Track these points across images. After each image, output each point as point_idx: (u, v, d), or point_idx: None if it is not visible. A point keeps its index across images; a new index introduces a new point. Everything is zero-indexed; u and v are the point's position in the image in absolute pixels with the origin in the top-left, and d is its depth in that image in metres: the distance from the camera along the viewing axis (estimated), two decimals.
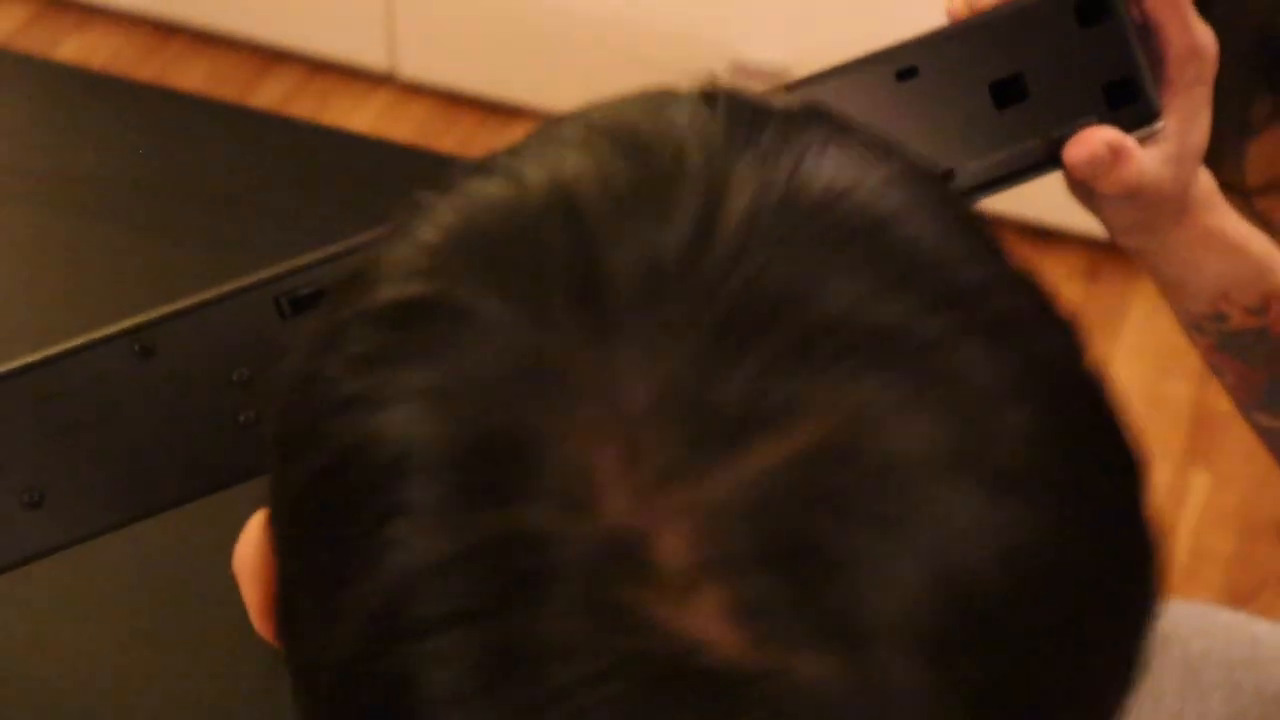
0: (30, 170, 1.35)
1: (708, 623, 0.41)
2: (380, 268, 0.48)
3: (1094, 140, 0.86)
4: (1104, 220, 0.96)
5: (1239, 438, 1.99)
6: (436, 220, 0.48)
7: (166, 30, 2.55)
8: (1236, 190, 1.04)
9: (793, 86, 0.85)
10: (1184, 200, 0.94)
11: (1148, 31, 0.89)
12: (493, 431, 0.43)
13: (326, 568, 0.45)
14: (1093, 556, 0.47)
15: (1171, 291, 1.04)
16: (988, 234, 0.50)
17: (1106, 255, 2.29)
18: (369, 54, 2.46)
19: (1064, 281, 2.35)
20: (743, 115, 0.49)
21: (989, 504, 0.43)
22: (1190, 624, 1.24)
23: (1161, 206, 0.94)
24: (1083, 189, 0.92)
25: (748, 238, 0.44)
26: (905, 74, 0.87)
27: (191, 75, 2.45)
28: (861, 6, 2.08)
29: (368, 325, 0.47)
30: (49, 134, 1.40)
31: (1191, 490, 1.99)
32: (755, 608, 0.41)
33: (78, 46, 2.51)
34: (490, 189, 0.48)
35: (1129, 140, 0.86)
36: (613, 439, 0.42)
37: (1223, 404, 2.04)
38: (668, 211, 0.45)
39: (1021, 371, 0.46)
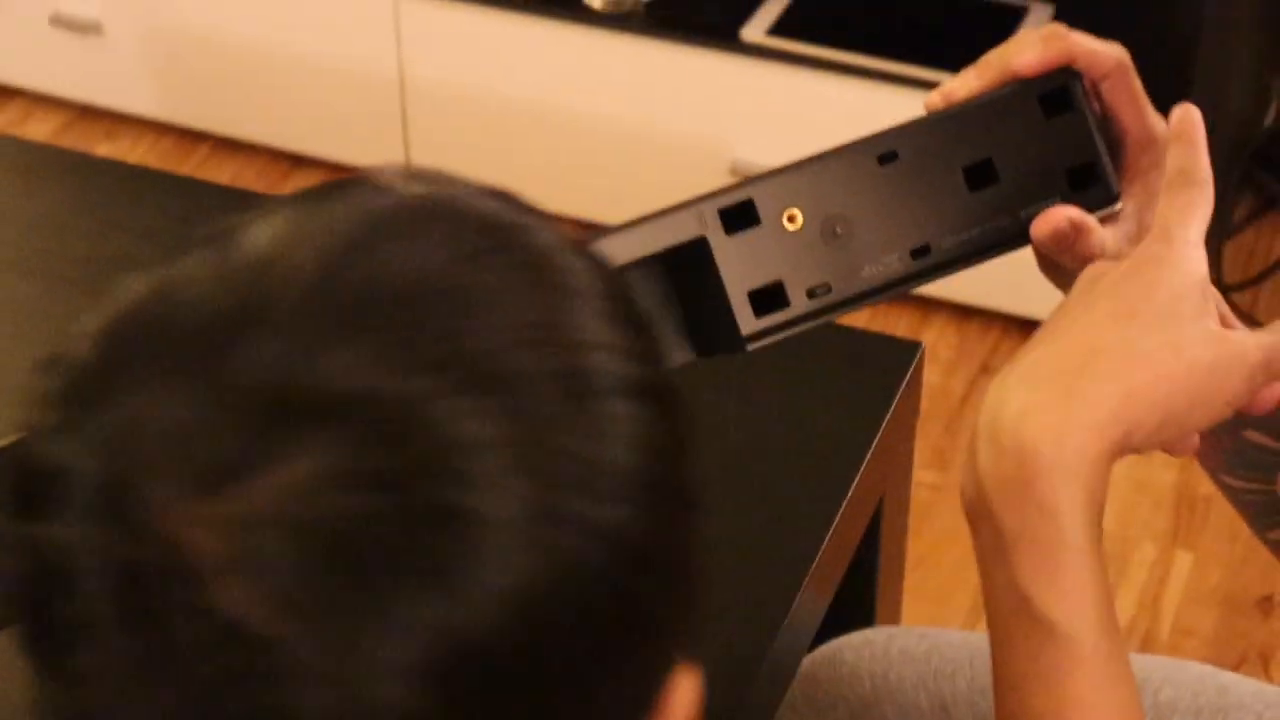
0: (71, 256, 1.40)
1: (238, 608, 0.50)
2: None
3: (1058, 217, 0.91)
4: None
5: (1221, 519, 2.05)
6: None
7: (194, 138, 2.63)
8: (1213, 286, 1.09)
9: (784, 169, 0.93)
10: None
11: (1107, 121, 0.95)
12: (30, 458, 0.54)
13: None
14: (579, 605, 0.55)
15: None
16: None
17: None
18: (386, 159, 2.55)
19: None
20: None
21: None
22: (1160, 674, 1.26)
23: None
24: (1051, 266, 0.98)
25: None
26: (886, 158, 0.93)
27: (218, 178, 2.53)
28: (852, 114, 2.18)
29: None
30: (88, 221, 1.46)
31: (1175, 569, 2.02)
32: (284, 602, 0.51)
33: (108, 153, 2.59)
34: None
35: (1090, 219, 0.92)
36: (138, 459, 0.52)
37: (1204, 487, 2.11)
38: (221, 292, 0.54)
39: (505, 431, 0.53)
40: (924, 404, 2.30)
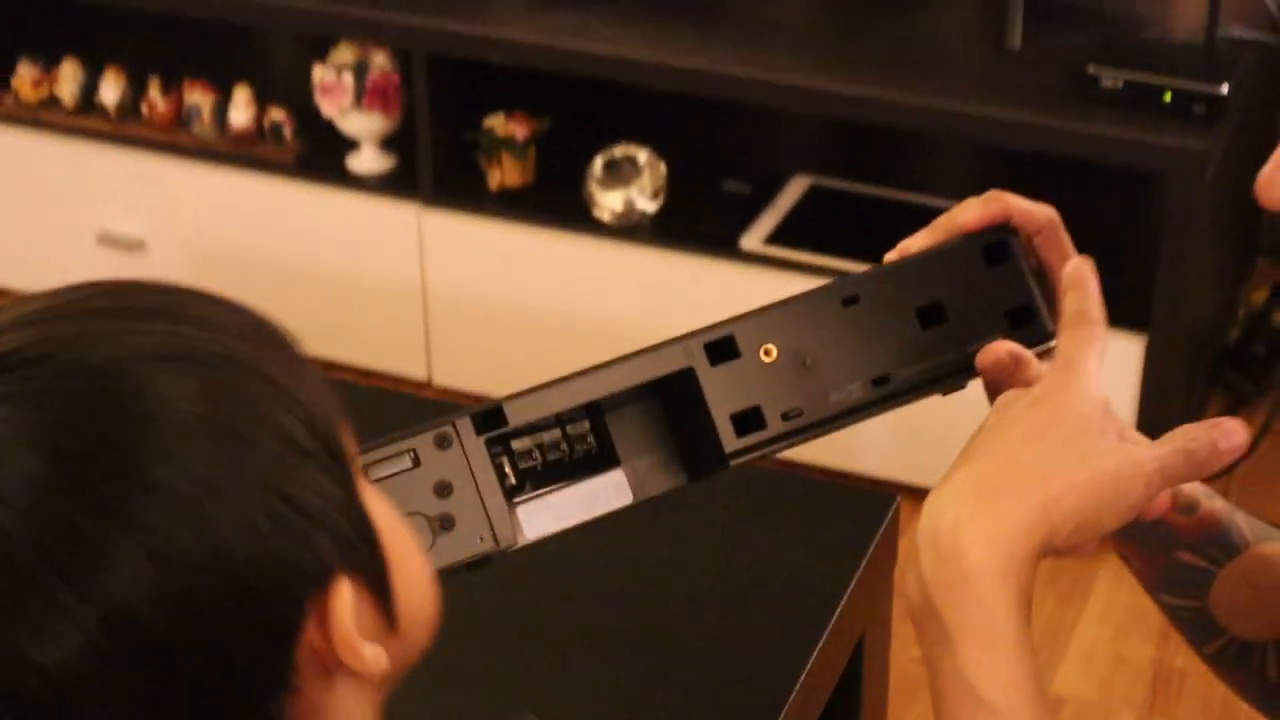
0: None
1: None
2: None
3: (999, 351, 1.04)
4: None
5: (1195, 692, 2.15)
6: None
7: None
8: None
9: (761, 310, 1.05)
10: None
11: (1042, 270, 1.08)
12: None
13: None
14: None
15: None
16: None
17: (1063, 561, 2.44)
18: (411, 366, 2.71)
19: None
20: None
21: None
22: None
23: None
24: (996, 396, 1.13)
25: None
26: (849, 301, 1.06)
27: None
28: None
29: None
30: None
31: None
32: None
33: None
34: None
35: (1027, 353, 1.04)
36: None
37: (1180, 661, 2.22)
38: None
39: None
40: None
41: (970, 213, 1.08)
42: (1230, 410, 2.61)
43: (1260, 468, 2.41)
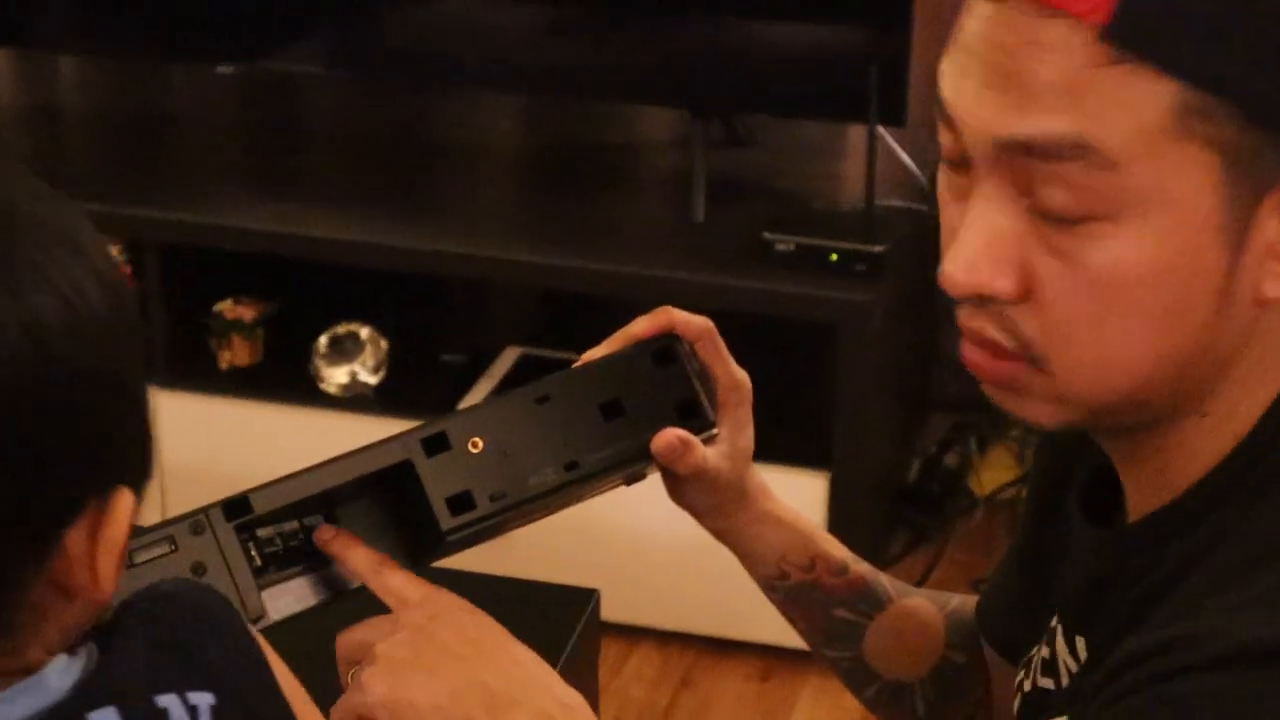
0: None
1: None
2: None
3: (669, 436, 1.20)
4: (689, 508, 1.28)
5: None
6: None
7: None
8: None
9: (469, 409, 1.22)
10: (742, 488, 1.26)
11: (705, 371, 1.24)
12: None
13: None
14: None
15: (747, 563, 1.32)
16: None
17: (777, 659, 2.63)
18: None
19: (741, 682, 2.66)
20: None
21: None
22: None
23: (725, 492, 1.26)
24: (674, 486, 1.26)
25: None
26: (542, 400, 1.21)
27: None
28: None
29: None
30: None
31: None
32: None
33: None
34: None
35: (693, 438, 1.21)
36: None
37: None
38: None
39: None
40: (633, 715, 2.57)
41: (640, 325, 1.25)
42: (914, 546, 2.84)
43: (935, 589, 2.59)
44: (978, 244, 0.94)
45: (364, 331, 2.77)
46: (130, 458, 0.82)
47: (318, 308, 2.86)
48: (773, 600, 1.35)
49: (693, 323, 1.26)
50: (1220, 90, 0.90)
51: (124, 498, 0.80)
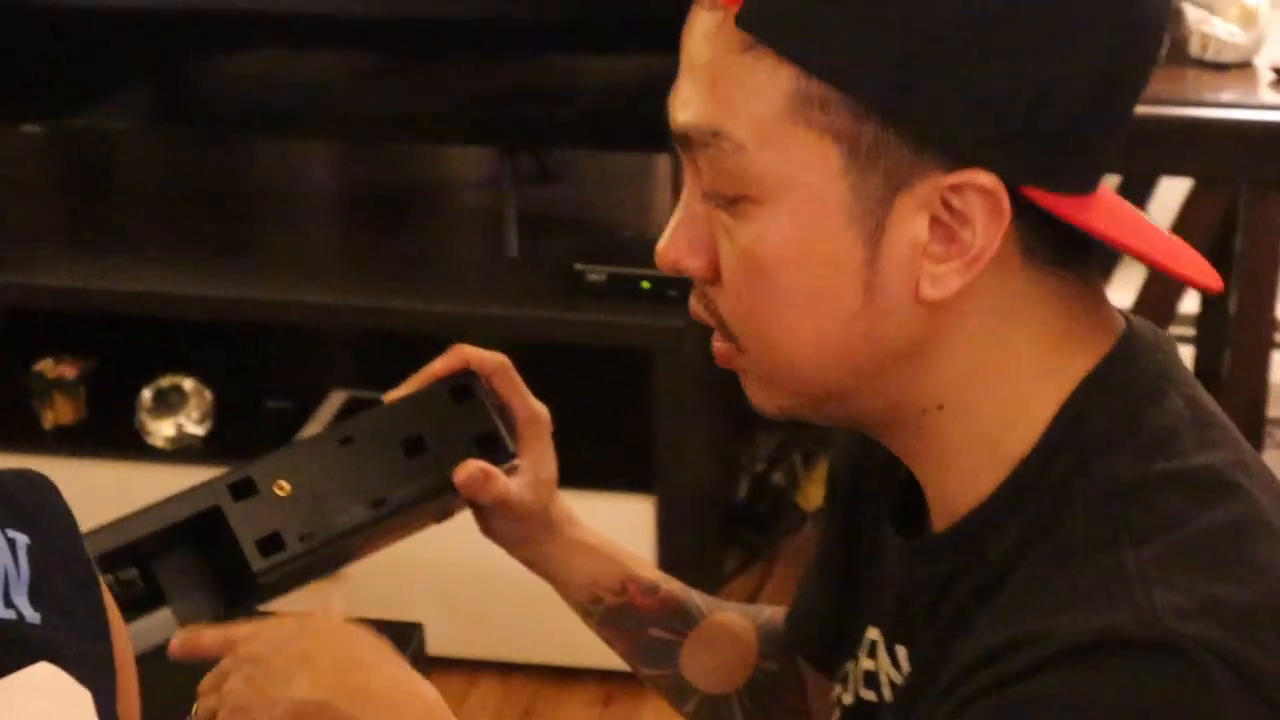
0: None
1: None
2: None
3: (471, 468, 1.22)
4: (498, 539, 1.30)
5: None
6: None
7: None
8: None
9: (275, 454, 1.24)
10: (548, 517, 1.28)
11: (504, 405, 1.27)
12: None
13: None
14: None
15: (560, 589, 1.33)
16: None
17: (618, 683, 2.65)
18: None
19: (583, 708, 2.68)
20: None
21: None
22: None
23: (531, 522, 1.28)
24: (482, 519, 1.28)
25: None
26: (346, 440, 1.24)
27: None
28: None
29: None
30: None
31: None
32: None
33: None
34: None
35: (494, 469, 1.23)
36: None
37: None
38: None
39: None
40: None
41: (438, 364, 1.29)
42: (746, 565, 2.89)
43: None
44: (675, 225, 1.00)
45: (187, 383, 2.77)
46: None
47: (140, 361, 2.86)
48: (589, 625, 1.36)
49: (487, 359, 1.29)
50: (833, 81, 0.94)
51: None
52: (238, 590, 1.25)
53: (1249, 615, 0.92)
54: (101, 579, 1.15)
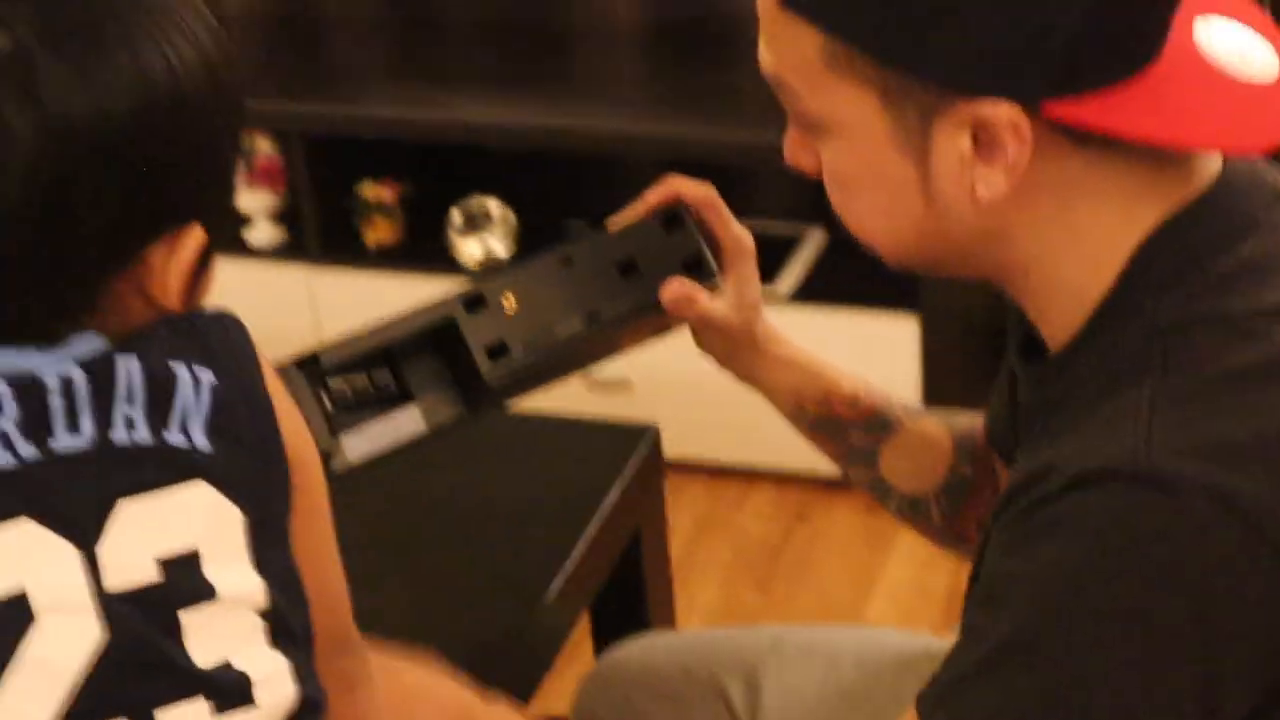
0: None
1: None
2: None
3: (675, 286, 1.33)
4: (710, 353, 1.40)
5: None
6: None
7: None
8: None
9: (502, 272, 1.36)
10: (753, 336, 1.38)
11: (710, 233, 1.36)
12: None
13: None
14: None
15: (771, 401, 1.44)
16: None
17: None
18: None
19: (849, 514, 2.81)
20: None
21: None
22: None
23: (737, 340, 1.38)
24: (696, 337, 1.38)
25: None
26: (565, 261, 1.35)
27: None
28: None
29: None
30: None
31: None
32: None
33: None
34: None
35: (698, 288, 1.33)
36: None
37: None
38: None
39: None
40: (754, 547, 2.74)
41: (651, 194, 1.39)
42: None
43: None
44: (787, 140, 1.13)
45: (494, 206, 2.92)
46: (206, 202, 1.04)
47: (452, 186, 3.00)
48: (800, 431, 1.47)
49: (696, 190, 1.39)
50: (852, 41, 1.03)
51: (196, 231, 1.02)
52: (473, 393, 1.38)
53: (1243, 451, 0.98)
54: (306, 389, 1.35)
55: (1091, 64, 1.02)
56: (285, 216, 3.05)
